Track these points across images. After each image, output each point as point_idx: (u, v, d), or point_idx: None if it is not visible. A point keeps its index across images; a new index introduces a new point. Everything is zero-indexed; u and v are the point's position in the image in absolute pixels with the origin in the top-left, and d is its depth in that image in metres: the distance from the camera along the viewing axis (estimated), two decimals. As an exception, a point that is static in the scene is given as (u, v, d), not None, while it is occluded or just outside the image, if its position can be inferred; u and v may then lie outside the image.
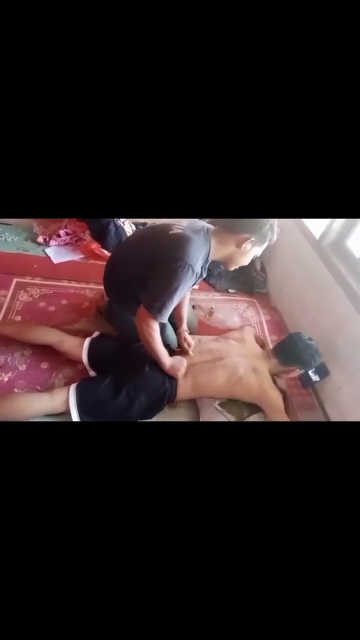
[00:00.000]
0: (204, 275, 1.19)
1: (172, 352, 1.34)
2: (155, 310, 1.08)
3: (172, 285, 1.04)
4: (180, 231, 1.08)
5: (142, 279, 1.16)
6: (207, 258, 1.12)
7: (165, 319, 1.12)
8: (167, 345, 1.33)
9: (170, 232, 1.10)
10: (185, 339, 1.39)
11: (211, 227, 1.14)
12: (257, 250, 1.15)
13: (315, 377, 1.46)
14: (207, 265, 1.15)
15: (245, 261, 1.18)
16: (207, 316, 1.80)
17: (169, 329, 1.43)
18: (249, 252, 1.14)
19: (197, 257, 1.06)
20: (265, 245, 1.15)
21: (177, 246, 1.04)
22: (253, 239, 1.09)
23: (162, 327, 1.37)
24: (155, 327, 1.14)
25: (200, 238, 1.08)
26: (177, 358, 1.27)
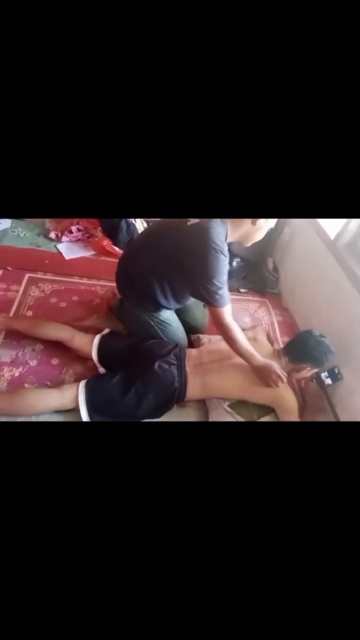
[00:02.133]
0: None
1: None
2: (219, 301, 1.12)
3: (216, 271, 1.08)
4: (198, 220, 1.10)
5: (161, 271, 1.18)
6: (226, 240, 1.15)
7: (228, 299, 1.15)
8: (176, 344, 1.32)
9: (189, 223, 1.11)
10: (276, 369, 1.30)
11: None
12: (271, 223, 1.18)
13: (327, 381, 1.43)
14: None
15: (261, 235, 1.21)
16: None
17: (180, 329, 1.43)
18: (264, 226, 1.17)
19: (222, 240, 1.10)
20: None
21: (203, 236, 1.07)
22: None
23: (170, 329, 1.37)
24: (232, 321, 1.16)
25: (218, 222, 1.10)
26: (268, 362, 1.18)
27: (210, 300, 1.13)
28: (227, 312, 1.17)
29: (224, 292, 1.13)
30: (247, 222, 1.14)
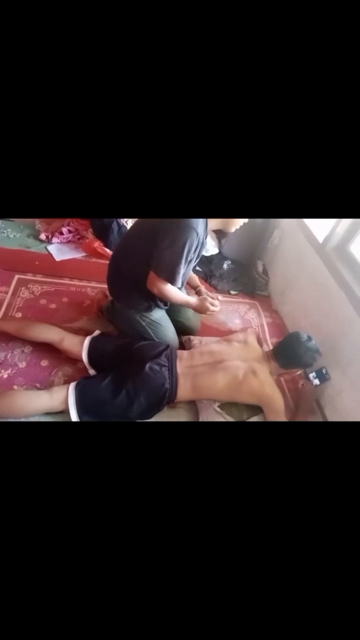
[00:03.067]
0: (206, 244, 1.26)
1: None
2: (169, 276, 1.15)
3: (178, 248, 1.10)
4: None
5: (148, 255, 1.18)
6: (206, 224, 1.17)
7: (177, 282, 1.18)
8: (167, 345, 1.32)
9: None
10: (207, 297, 1.44)
11: None
12: None
13: (315, 381, 1.45)
14: (206, 234, 1.22)
15: (242, 220, 1.23)
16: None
17: (171, 329, 1.43)
18: None
19: (198, 220, 1.11)
20: None
21: (182, 220, 1.09)
22: None
23: (162, 329, 1.37)
24: (165, 287, 1.20)
25: None
26: (202, 298, 1.37)
27: (158, 268, 1.15)
28: (166, 285, 1.19)
29: (178, 271, 1.14)
30: None
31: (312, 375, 1.46)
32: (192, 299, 1.35)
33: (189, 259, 1.15)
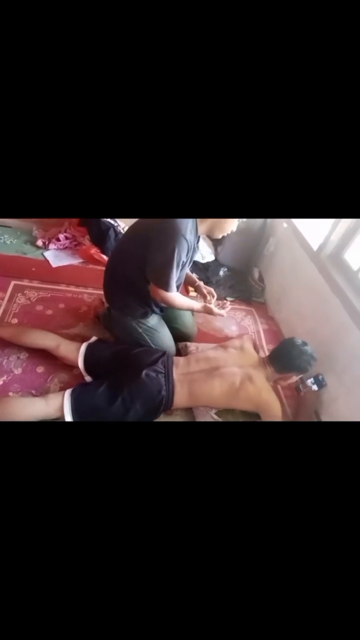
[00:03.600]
0: (197, 249, 1.29)
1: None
2: (163, 284, 1.19)
3: (169, 255, 1.13)
4: None
5: (143, 260, 1.20)
6: (196, 229, 1.19)
7: (171, 288, 1.21)
8: (164, 352, 1.32)
9: None
10: (204, 289, 1.48)
11: None
12: None
13: (314, 387, 1.46)
14: (198, 239, 1.24)
15: (230, 227, 1.24)
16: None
17: (168, 336, 1.43)
18: (232, 219, 1.22)
19: (186, 225, 1.13)
20: None
21: (172, 223, 1.12)
22: None
23: (158, 336, 1.38)
24: (167, 294, 1.23)
25: None
26: (206, 306, 1.40)
27: (156, 281, 1.19)
28: (167, 293, 1.22)
29: (173, 277, 1.17)
30: None
31: (309, 381, 1.46)
32: (196, 304, 1.37)
33: (180, 264, 1.17)
